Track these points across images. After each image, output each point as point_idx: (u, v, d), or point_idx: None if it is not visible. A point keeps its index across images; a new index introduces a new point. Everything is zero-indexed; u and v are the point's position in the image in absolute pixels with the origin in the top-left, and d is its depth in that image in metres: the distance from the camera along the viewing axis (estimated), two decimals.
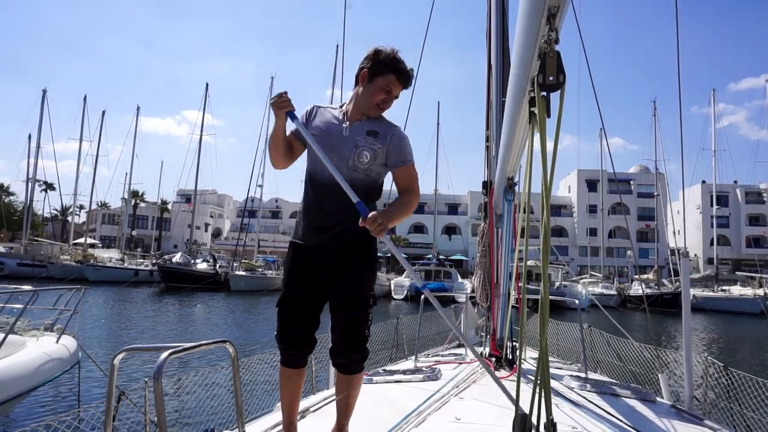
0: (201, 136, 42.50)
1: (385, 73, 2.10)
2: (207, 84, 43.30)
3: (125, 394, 3.06)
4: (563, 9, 1.43)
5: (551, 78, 1.45)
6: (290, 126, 2.20)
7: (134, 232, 53.95)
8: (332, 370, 3.70)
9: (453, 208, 60.68)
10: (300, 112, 2.22)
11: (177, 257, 35.64)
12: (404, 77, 2.13)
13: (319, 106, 2.27)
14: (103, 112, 49.14)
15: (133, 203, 53.81)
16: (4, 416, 5.62)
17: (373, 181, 2.16)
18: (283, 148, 2.20)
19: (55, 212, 59.20)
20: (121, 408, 3.44)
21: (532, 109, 1.77)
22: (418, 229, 57.99)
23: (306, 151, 2.25)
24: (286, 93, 2.09)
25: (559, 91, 1.51)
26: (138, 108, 49.65)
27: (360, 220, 1.92)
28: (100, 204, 56.09)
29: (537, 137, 1.64)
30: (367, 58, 2.15)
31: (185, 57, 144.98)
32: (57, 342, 6.24)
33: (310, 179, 2.17)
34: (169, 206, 57.93)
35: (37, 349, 5.83)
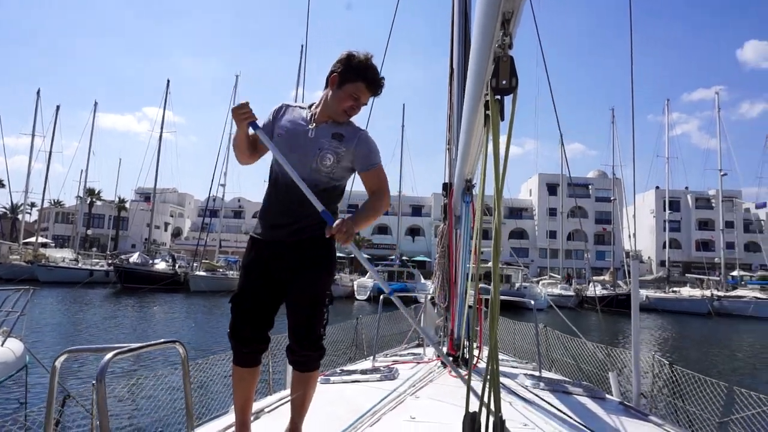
0: (161, 133, 41.41)
1: (355, 80, 2.10)
2: (168, 80, 42.27)
3: (72, 397, 2.96)
4: (517, 15, 1.46)
5: (504, 82, 1.48)
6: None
7: (89, 232, 52.08)
8: (289, 369, 3.68)
9: (417, 210, 61.11)
10: (271, 108, 2.24)
11: (134, 257, 34.61)
12: (374, 86, 2.13)
13: (289, 105, 2.26)
14: (58, 107, 47.06)
15: (88, 201, 51.96)
16: None
17: (336, 183, 2.18)
18: (247, 149, 2.22)
19: (4, 210, 56.60)
20: (70, 412, 3.32)
21: (487, 112, 1.80)
22: (382, 230, 58.12)
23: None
24: (248, 103, 2.08)
25: (512, 95, 1.54)
26: (95, 103, 48.13)
27: (326, 229, 1.94)
28: (53, 202, 53.95)
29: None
30: (339, 61, 2.14)
31: (147, 52, 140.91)
32: (2, 345, 5.97)
33: (274, 178, 2.17)
34: (127, 205, 56.18)
35: None
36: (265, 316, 2.16)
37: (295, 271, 2.10)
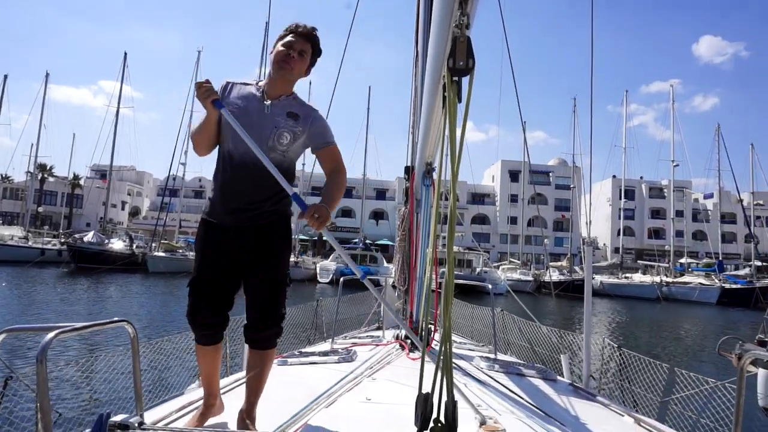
0: (118, 108, 39.89)
1: (284, 36, 2.13)
2: (125, 53, 40.58)
3: (13, 377, 2.85)
4: None
5: (461, 62, 1.47)
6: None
7: (41, 209, 49.95)
8: (245, 350, 3.65)
9: (381, 194, 61.18)
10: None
11: (89, 236, 33.48)
12: (301, 33, 2.12)
13: (234, 82, 2.20)
14: (5, 77, 44.66)
15: (39, 177, 49.75)
16: None
17: (290, 162, 2.17)
18: (215, 137, 2.14)
19: None
20: (15, 393, 3.21)
21: (445, 93, 1.79)
22: (346, 213, 57.98)
23: (222, 128, 2.15)
24: (208, 81, 2.01)
25: (468, 77, 1.53)
26: (47, 74, 45.60)
27: (298, 214, 1.95)
28: (1, 177, 51.42)
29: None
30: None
31: (104, 22, 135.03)
32: None
33: (228, 157, 2.11)
34: (82, 182, 54.05)
35: None
36: (225, 299, 2.16)
37: (255, 253, 2.10)
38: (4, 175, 52.67)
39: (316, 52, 2.19)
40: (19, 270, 25.59)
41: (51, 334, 1.47)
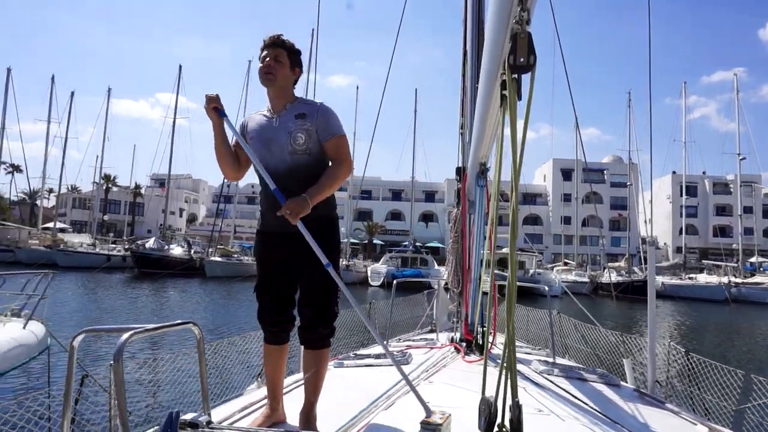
0: (174, 119, 41.72)
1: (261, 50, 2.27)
2: (180, 66, 42.62)
3: (89, 376, 3.00)
4: None
5: (522, 59, 1.44)
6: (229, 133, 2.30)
7: (106, 217, 52.80)
8: (302, 352, 3.70)
9: (430, 196, 60.89)
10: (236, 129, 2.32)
11: (150, 242, 35.05)
12: (266, 43, 2.24)
13: (250, 115, 2.40)
14: (72, 93, 47.73)
15: (105, 187, 52.59)
16: None
17: (319, 160, 2.23)
18: (228, 156, 2.30)
19: (23, 196, 57.54)
20: (88, 391, 3.38)
21: (503, 92, 1.76)
22: (396, 216, 58.04)
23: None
24: (218, 96, 2.21)
25: (530, 74, 1.49)
26: (109, 89, 48.22)
27: (279, 209, 2.03)
28: (70, 188, 54.70)
29: (508, 120, 1.63)
30: None
31: (160, 38, 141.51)
32: (24, 328, 6.09)
33: (257, 169, 2.27)
34: (143, 191, 56.77)
35: (4, 334, 5.69)
36: (286, 299, 2.30)
37: (306, 255, 2.15)
38: (73, 186, 55.96)
39: (293, 51, 2.28)
40: (89, 275, 27.08)
41: (126, 335, 1.54)
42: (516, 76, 1.50)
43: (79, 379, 3.13)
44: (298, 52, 2.31)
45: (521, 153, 1.51)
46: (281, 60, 2.23)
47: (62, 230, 43.34)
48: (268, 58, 2.22)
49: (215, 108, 2.20)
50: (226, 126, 2.24)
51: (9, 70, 41.14)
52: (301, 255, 2.17)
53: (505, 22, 1.52)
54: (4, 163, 45.53)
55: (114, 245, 40.36)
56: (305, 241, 2.10)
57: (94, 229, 46.28)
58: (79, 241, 39.02)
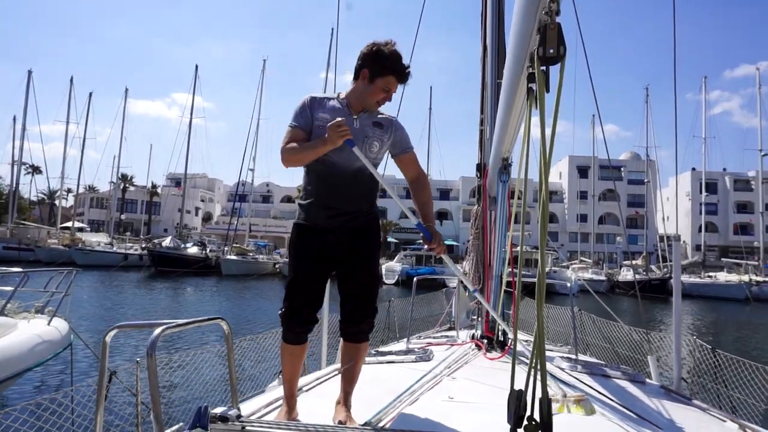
0: (191, 119, 42.18)
1: (385, 74, 2.21)
2: (196, 66, 42.95)
3: (115, 375, 3.04)
4: None
5: (552, 50, 1.42)
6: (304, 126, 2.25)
7: (123, 216, 53.52)
8: (324, 351, 3.74)
9: (444, 194, 60.69)
10: (299, 103, 2.28)
11: (167, 241, 35.48)
12: (403, 77, 2.25)
13: (315, 97, 2.30)
14: (90, 94, 48.25)
15: (122, 187, 53.31)
16: None
17: (376, 167, 2.33)
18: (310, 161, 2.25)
19: (42, 196, 58.59)
20: (112, 388, 3.43)
21: (530, 85, 1.74)
22: None
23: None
24: (345, 123, 2.07)
25: (558, 65, 1.48)
26: (126, 90, 49.12)
27: (426, 243, 2.22)
28: (88, 187, 55.55)
29: (535, 114, 1.62)
30: (367, 55, 2.22)
31: (175, 38, 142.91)
32: (48, 324, 6.19)
33: (331, 165, 2.21)
34: (159, 190, 57.42)
35: (29, 331, 5.78)
36: (318, 298, 2.32)
37: (353, 252, 2.27)
38: (91, 186, 56.83)
39: None
40: (107, 274, 27.49)
41: (158, 330, 1.56)
42: (545, 68, 1.48)
43: (107, 377, 3.17)
44: None
45: (551, 147, 1.49)
46: (395, 92, 2.30)
47: (80, 229, 44.02)
48: (392, 92, 2.27)
49: (348, 140, 2.08)
50: (356, 151, 2.12)
51: (30, 73, 41.97)
52: (349, 252, 2.26)
53: (533, 13, 1.51)
54: (25, 164, 46.33)
55: (131, 244, 40.91)
56: (355, 239, 2.26)
57: (112, 228, 46.97)
58: (97, 240, 39.60)
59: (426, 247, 2.23)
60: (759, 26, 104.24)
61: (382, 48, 2.20)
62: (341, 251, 2.27)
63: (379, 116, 2.32)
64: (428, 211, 2.31)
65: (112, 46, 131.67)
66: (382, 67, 2.20)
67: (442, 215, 58.90)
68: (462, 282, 4.52)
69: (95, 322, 12.53)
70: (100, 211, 55.80)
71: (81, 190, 51.19)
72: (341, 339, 2.42)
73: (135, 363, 2.98)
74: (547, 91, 1.55)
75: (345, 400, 2.28)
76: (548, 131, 1.52)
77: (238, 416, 1.79)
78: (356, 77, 2.28)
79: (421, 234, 2.24)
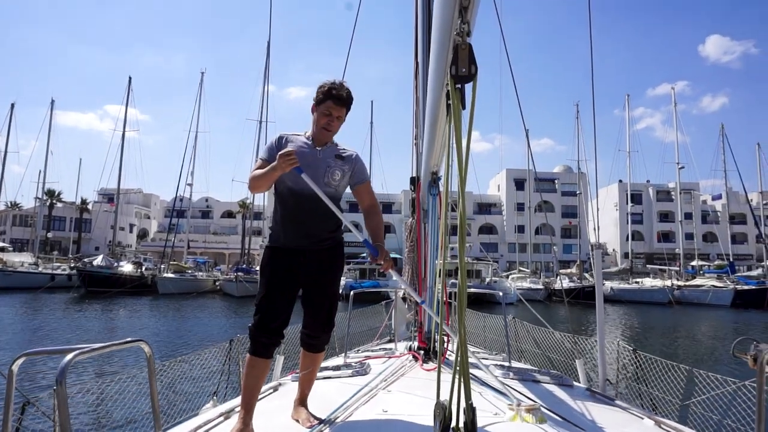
0: (124, 131, 40.40)
1: (324, 100, 2.49)
2: (130, 77, 41.30)
3: (30, 403, 2.85)
4: (474, 2, 1.47)
5: (464, 69, 1.49)
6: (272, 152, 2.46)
7: (50, 234, 50.31)
8: (279, 364, 3.86)
9: (387, 207, 61.08)
10: (271, 140, 2.58)
11: (98, 260, 33.69)
12: (339, 99, 2.48)
13: (285, 135, 2.59)
14: (12, 105, 45.41)
15: (48, 203, 50.19)
16: None
17: (339, 195, 2.62)
18: (270, 185, 2.55)
19: None
20: (30, 419, 3.21)
21: (448, 101, 1.81)
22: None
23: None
24: (294, 152, 2.32)
25: (472, 83, 1.55)
26: (52, 101, 46.29)
27: (373, 259, 2.44)
28: (10, 204, 51.92)
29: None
30: (316, 92, 2.54)
31: (108, 47, 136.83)
32: None
33: (291, 192, 2.49)
34: (90, 206, 54.48)
35: None
36: (287, 314, 2.49)
37: (318, 273, 2.53)
38: (13, 202, 53.12)
39: (349, 109, 2.57)
40: (30, 296, 25.72)
41: (70, 356, 1.48)
42: (459, 86, 1.55)
43: (19, 407, 2.96)
44: (350, 108, 2.58)
45: (466, 160, 1.56)
46: (342, 118, 2.53)
47: (1, 249, 40.99)
48: (333, 116, 2.48)
49: (296, 167, 2.32)
50: (305, 179, 2.36)
51: None
52: (315, 273, 2.51)
53: (447, 33, 1.57)
54: None
55: (59, 264, 38.52)
56: (320, 260, 2.52)
57: (37, 248, 44.03)
58: (20, 260, 37.05)
59: (372, 261, 2.45)
60: (676, 49, 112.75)
61: (326, 82, 2.52)
62: (308, 271, 2.50)
63: (341, 151, 2.59)
64: (379, 233, 2.58)
65: (37, 52, 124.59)
66: (321, 95, 2.49)
67: (385, 228, 59.10)
68: (409, 294, 4.57)
69: (13, 349, 11.66)
70: (24, 229, 52.22)
71: (2, 207, 47.78)
72: (302, 348, 2.65)
73: (52, 391, 2.80)
74: (463, 107, 1.62)
75: (302, 400, 2.54)
76: (464, 144, 1.58)
77: None
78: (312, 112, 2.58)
79: (368, 250, 2.44)
